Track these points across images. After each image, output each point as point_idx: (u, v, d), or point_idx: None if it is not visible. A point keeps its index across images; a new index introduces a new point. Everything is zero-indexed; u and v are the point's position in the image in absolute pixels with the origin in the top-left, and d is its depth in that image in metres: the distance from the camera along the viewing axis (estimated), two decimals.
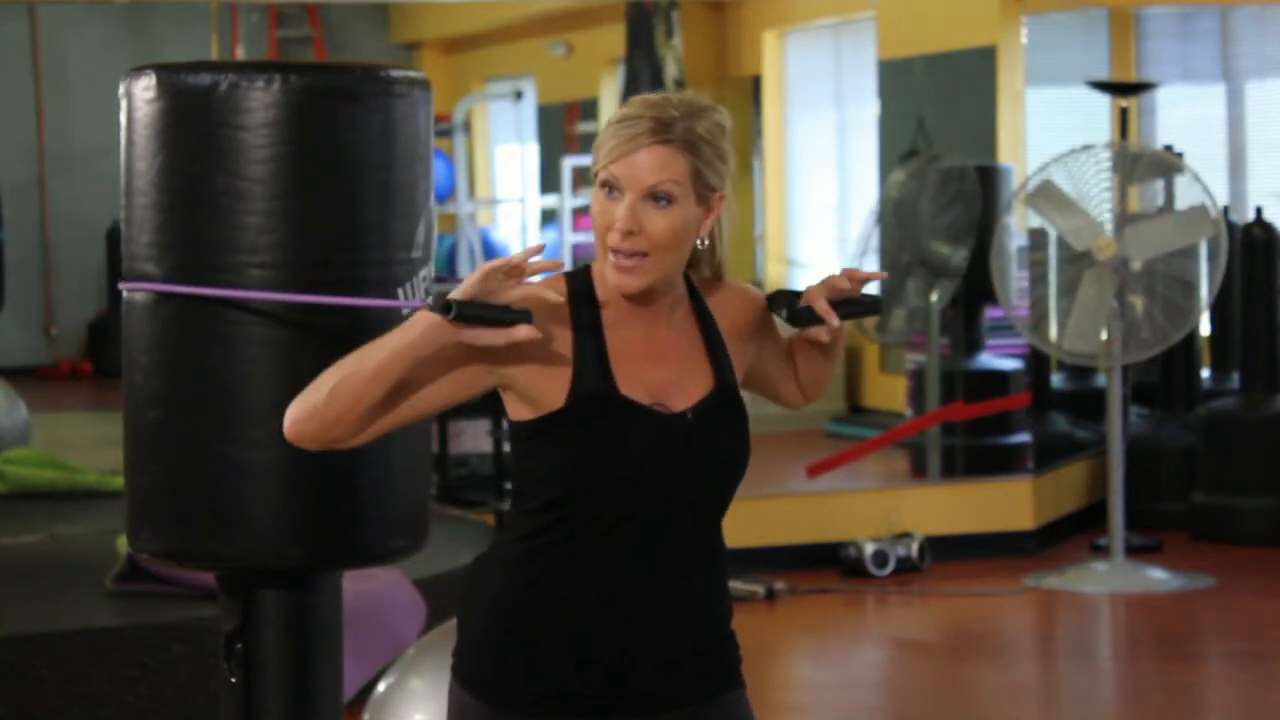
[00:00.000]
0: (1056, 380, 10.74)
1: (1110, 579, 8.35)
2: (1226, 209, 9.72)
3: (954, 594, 8.28)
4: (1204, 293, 8.47)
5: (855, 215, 12.44)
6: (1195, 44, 12.26)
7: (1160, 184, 8.77)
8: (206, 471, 3.42)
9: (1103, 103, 11.37)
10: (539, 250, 2.68)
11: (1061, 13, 12.27)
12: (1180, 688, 6.85)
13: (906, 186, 9.84)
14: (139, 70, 3.49)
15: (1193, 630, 7.80)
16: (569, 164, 14.41)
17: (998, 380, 9.77)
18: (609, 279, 2.74)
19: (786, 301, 2.85)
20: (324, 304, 3.39)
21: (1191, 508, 9.39)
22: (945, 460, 9.48)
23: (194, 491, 3.43)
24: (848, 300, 2.82)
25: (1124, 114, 9.77)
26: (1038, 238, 8.69)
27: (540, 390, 2.73)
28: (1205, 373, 10.25)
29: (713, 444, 2.77)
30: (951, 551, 8.85)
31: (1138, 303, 8.33)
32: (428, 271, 3.56)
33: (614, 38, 13.89)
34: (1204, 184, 8.44)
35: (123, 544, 6.01)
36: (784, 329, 2.93)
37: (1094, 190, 8.40)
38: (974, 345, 9.93)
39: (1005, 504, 9.10)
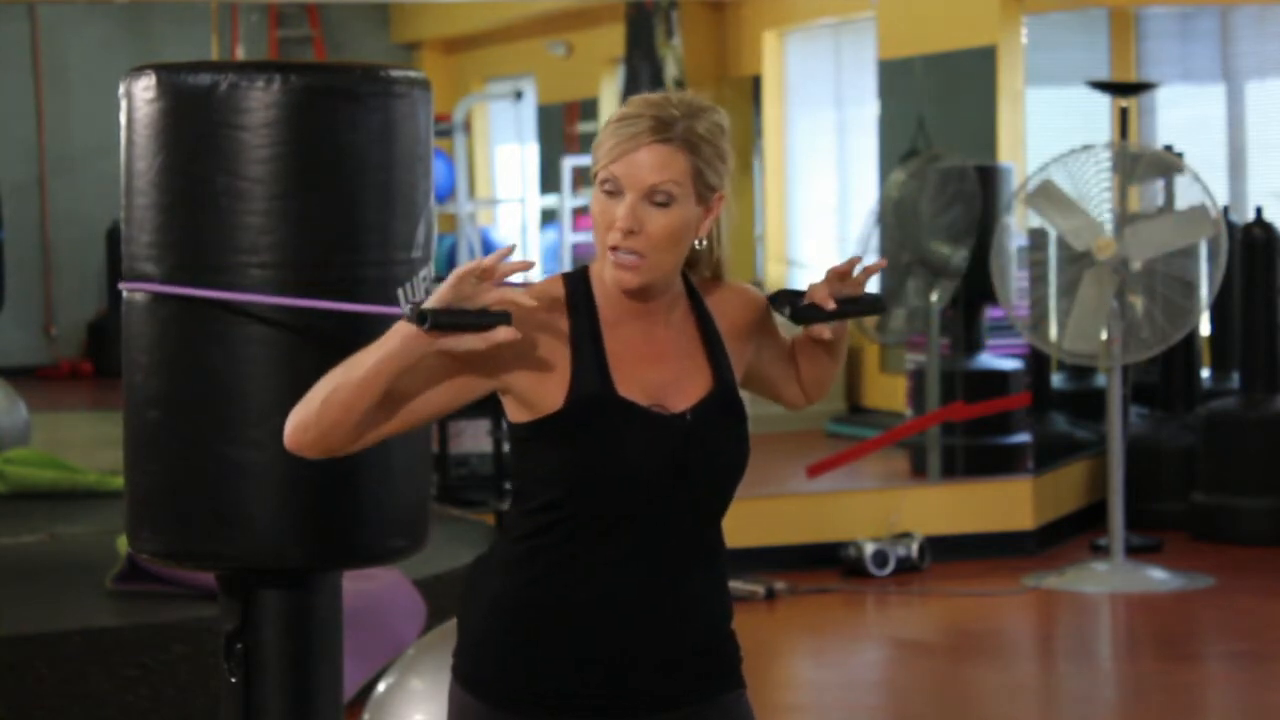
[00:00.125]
0: (1056, 380, 10.74)
1: (1110, 579, 8.35)
2: (1226, 209, 9.72)
3: (954, 594, 8.28)
4: (1204, 293, 8.47)
5: (855, 215, 12.44)
6: (1195, 44, 12.26)
7: (1160, 184, 8.77)
8: (206, 471, 3.42)
9: (1103, 103, 11.37)
10: (510, 252, 2.68)
11: (1061, 13, 12.27)
12: (1180, 688, 6.85)
13: (906, 186, 9.84)
14: (139, 70, 3.49)
15: (1193, 630, 7.80)
16: (569, 164, 14.41)
17: (998, 380, 9.77)
18: (607, 276, 2.74)
19: (789, 300, 2.85)
20: (320, 308, 3.39)
21: (1191, 508, 9.39)
22: (945, 460, 9.48)
23: (194, 491, 3.43)
24: (850, 299, 2.82)
25: (1124, 114, 9.77)
26: (1038, 238, 8.69)
27: (538, 393, 2.72)
28: (1205, 373, 10.25)
29: (712, 444, 2.77)
30: (951, 551, 8.85)
31: (1138, 303, 8.33)
32: (428, 271, 3.56)
33: (614, 38, 13.89)
34: (1204, 184, 8.44)
35: (123, 544, 6.01)
36: (787, 329, 2.93)
37: (1094, 190, 8.39)
38: (974, 345, 9.93)
39: (1005, 504, 9.10)
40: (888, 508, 8.91)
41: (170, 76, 3.43)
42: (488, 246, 15.69)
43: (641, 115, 2.71)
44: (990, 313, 9.98)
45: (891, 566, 8.56)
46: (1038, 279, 8.62)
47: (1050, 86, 12.13)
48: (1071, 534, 9.34)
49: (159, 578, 6.03)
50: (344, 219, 3.43)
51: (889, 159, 11.05)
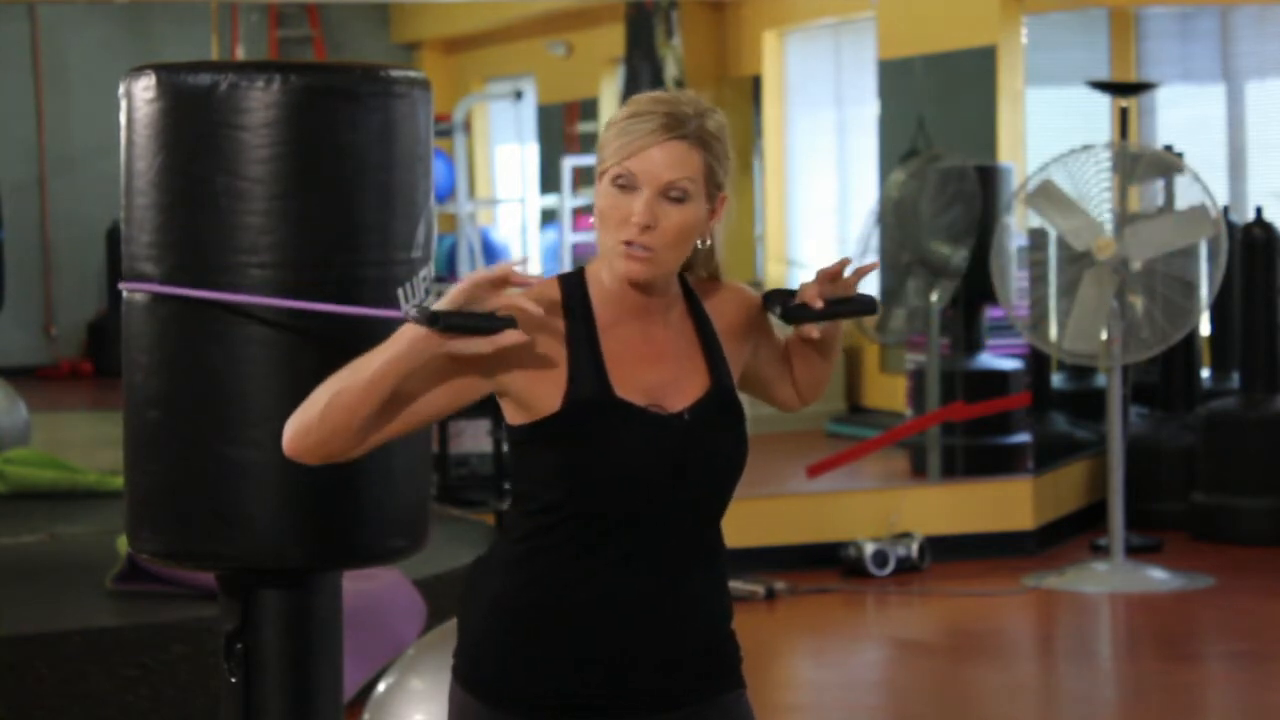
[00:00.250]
0: (1056, 380, 10.74)
1: (1110, 579, 8.35)
2: (1226, 209, 9.72)
3: (954, 594, 8.28)
4: (1204, 293, 8.47)
5: (855, 215, 12.44)
6: (1195, 44, 12.26)
7: (1160, 184, 8.77)
8: (206, 471, 3.42)
9: (1103, 103, 11.37)
10: (524, 262, 2.69)
11: (1061, 13, 12.27)
12: (1180, 688, 6.85)
13: (906, 186, 9.84)
14: (139, 70, 3.49)
15: (1193, 630, 7.80)
16: (569, 164, 14.41)
17: (998, 380, 9.77)
18: (617, 268, 2.73)
19: (780, 299, 2.85)
20: (319, 310, 3.39)
21: (1191, 508, 9.39)
22: (945, 460, 9.48)
23: (194, 491, 3.43)
24: (843, 299, 2.82)
25: (1124, 114, 9.77)
26: (1038, 238, 8.69)
27: (536, 395, 2.72)
28: (1205, 373, 10.25)
29: (710, 444, 2.77)
30: (951, 551, 8.85)
31: (1138, 303, 8.33)
32: (428, 271, 3.56)
33: (614, 38, 13.89)
34: (1204, 184, 8.44)
35: (123, 544, 6.01)
36: (780, 330, 2.93)
37: (1094, 190, 8.39)
38: (974, 345, 9.93)
39: (1005, 504, 9.10)
40: (888, 508, 8.91)
41: (170, 76, 3.43)
42: (487, 246, 15.70)
43: (654, 112, 2.71)
44: (990, 313, 9.98)
45: (891, 566, 8.56)
46: (1038, 279, 8.62)
47: (1050, 86, 12.13)
48: (1071, 534, 9.34)
49: (159, 578, 6.03)
50: (344, 219, 3.43)
51: (889, 159, 11.05)
